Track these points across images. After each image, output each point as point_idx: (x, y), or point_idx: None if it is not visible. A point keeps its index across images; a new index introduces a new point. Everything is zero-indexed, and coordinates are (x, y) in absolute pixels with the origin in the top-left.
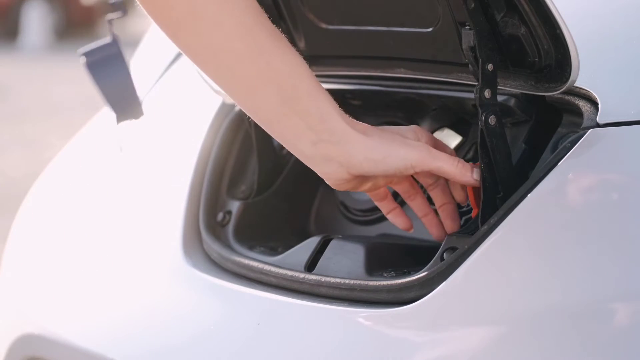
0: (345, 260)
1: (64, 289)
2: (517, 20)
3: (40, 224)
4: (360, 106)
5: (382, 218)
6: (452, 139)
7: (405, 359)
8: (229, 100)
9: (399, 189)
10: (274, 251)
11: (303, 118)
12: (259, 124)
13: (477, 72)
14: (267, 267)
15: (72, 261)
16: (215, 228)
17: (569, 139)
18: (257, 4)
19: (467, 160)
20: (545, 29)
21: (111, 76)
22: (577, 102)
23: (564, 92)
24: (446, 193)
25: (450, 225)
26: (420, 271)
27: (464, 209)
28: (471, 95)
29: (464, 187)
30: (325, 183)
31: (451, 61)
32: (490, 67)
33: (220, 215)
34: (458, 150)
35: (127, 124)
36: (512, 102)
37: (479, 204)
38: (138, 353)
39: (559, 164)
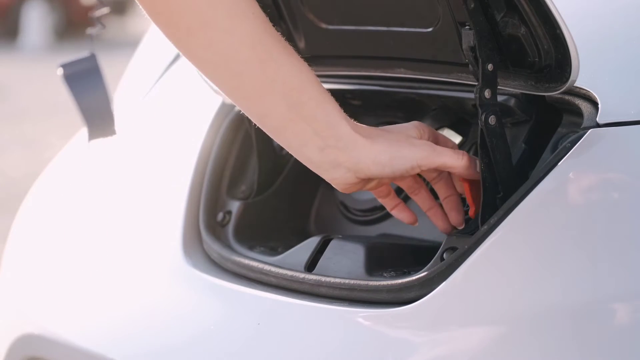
0: (345, 260)
1: (64, 289)
2: (517, 20)
3: (40, 224)
4: (360, 106)
5: (382, 218)
6: (452, 139)
7: (405, 359)
8: (229, 100)
9: (402, 184)
10: (274, 251)
11: (310, 124)
12: (265, 130)
13: (477, 72)
14: (267, 267)
15: (72, 261)
16: (215, 228)
17: (569, 139)
18: (262, 12)
19: None
20: (545, 29)
21: (87, 90)
22: (577, 102)
23: (564, 92)
24: (449, 185)
25: (455, 217)
26: (420, 271)
27: (467, 208)
28: (471, 95)
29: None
30: (326, 183)
31: (451, 61)
32: (490, 67)
33: (220, 215)
34: None
35: (100, 141)
36: (512, 102)
37: (475, 201)
38: (138, 353)
39: (559, 164)
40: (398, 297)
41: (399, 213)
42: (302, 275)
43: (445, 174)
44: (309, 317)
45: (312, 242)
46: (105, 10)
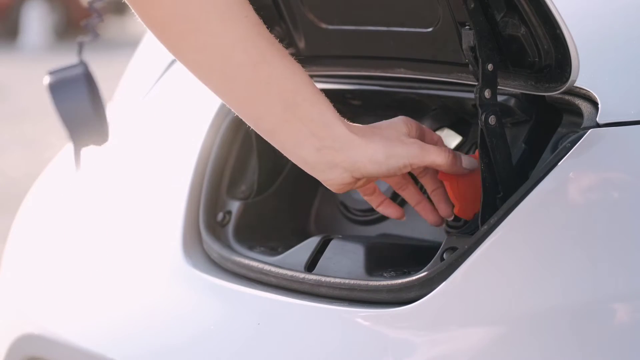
0: (345, 260)
1: (64, 289)
2: (517, 20)
3: (40, 224)
4: (360, 106)
5: (382, 218)
6: (452, 139)
7: (404, 359)
8: None
9: (390, 181)
10: (274, 251)
11: (306, 124)
12: (260, 133)
13: (477, 72)
14: (267, 267)
15: (72, 261)
16: (215, 228)
17: (569, 139)
18: (255, 14)
19: None
20: (545, 29)
21: (71, 99)
22: (577, 102)
23: (564, 92)
24: (436, 179)
25: (443, 208)
26: (420, 271)
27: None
28: (471, 95)
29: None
30: None
31: (451, 61)
32: (490, 67)
33: (220, 215)
34: (458, 151)
35: (89, 149)
36: (512, 102)
37: (458, 198)
38: (138, 353)
39: (559, 164)
40: (398, 297)
41: (386, 209)
42: (302, 275)
43: (431, 168)
44: (309, 317)
45: (312, 242)
46: (99, 19)
